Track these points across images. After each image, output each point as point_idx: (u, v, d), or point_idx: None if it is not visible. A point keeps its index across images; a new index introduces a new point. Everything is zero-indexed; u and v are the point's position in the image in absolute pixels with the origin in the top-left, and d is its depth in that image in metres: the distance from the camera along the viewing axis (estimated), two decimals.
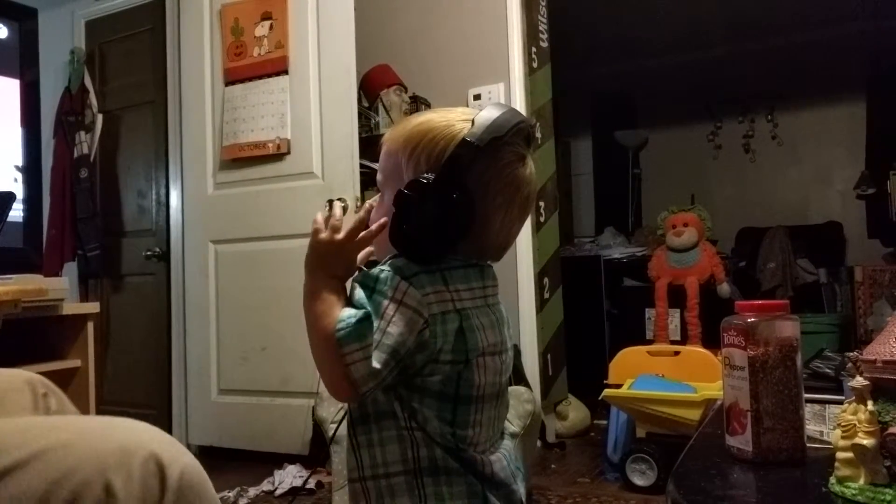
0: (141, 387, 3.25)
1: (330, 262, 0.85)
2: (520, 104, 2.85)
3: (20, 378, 0.99)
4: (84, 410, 2.20)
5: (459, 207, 0.81)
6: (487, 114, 0.84)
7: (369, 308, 0.78)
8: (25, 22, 3.37)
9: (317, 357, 0.81)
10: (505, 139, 0.84)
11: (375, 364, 0.76)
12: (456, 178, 0.82)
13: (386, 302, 0.78)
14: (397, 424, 0.81)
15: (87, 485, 0.64)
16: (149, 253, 3.23)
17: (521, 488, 0.87)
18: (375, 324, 0.77)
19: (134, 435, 0.70)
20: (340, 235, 0.85)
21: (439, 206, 0.81)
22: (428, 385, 0.80)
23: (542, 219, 2.97)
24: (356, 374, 0.77)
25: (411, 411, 0.81)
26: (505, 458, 0.86)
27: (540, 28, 3.11)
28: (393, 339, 0.76)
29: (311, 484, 2.42)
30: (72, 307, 2.27)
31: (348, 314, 0.79)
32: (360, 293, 0.81)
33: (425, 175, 0.82)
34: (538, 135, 3.01)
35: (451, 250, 0.83)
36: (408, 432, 0.81)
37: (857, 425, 0.67)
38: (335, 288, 0.84)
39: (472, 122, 0.84)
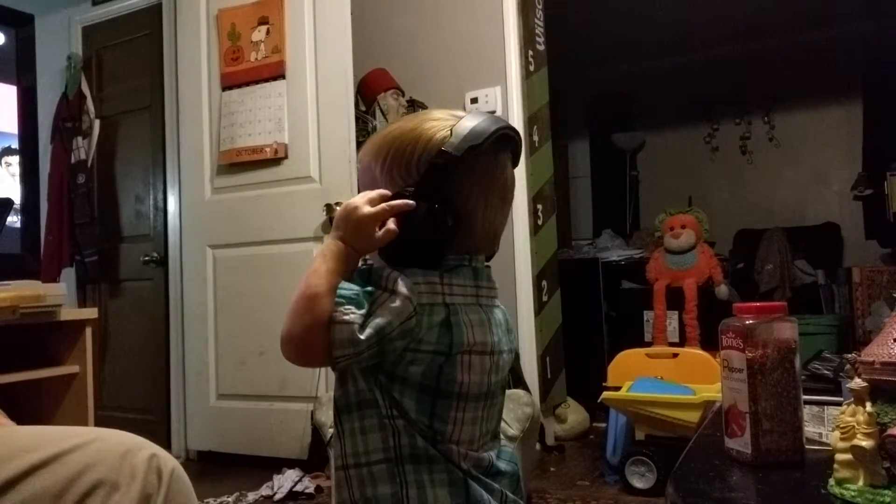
0: (139, 392, 3.25)
1: (349, 229, 0.84)
2: (516, 107, 2.86)
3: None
4: (83, 417, 2.20)
5: (441, 215, 0.82)
6: (465, 123, 0.85)
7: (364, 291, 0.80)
8: (22, 28, 3.37)
9: (299, 311, 0.80)
10: (483, 147, 0.84)
11: (360, 335, 0.76)
12: (436, 188, 0.83)
13: (378, 290, 0.79)
14: (379, 413, 0.82)
15: (101, 478, 0.78)
16: (147, 258, 3.23)
17: (504, 486, 0.86)
18: (368, 304, 0.79)
19: (134, 441, 0.85)
20: (368, 210, 0.83)
21: (422, 217, 0.82)
22: (409, 376, 0.81)
23: (539, 221, 2.98)
24: (338, 335, 0.77)
25: (392, 400, 0.81)
26: (489, 458, 0.86)
27: (536, 31, 3.11)
28: (382, 319, 0.77)
29: (311, 488, 2.41)
30: (70, 313, 2.26)
31: (349, 285, 0.81)
32: (353, 283, 0.82)
33: (407, 189, 0.84)
34: (535, 138, 3.01)
35: (443, 253, 0.84)
36: (389, 421, 0.81)
37: (856, 427, 0.67)
38: (344, 254, 0.84)
39: (451, 132, 0.84)
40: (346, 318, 0.77)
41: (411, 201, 0.82)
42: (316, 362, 0.82)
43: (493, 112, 2.85)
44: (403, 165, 0.85)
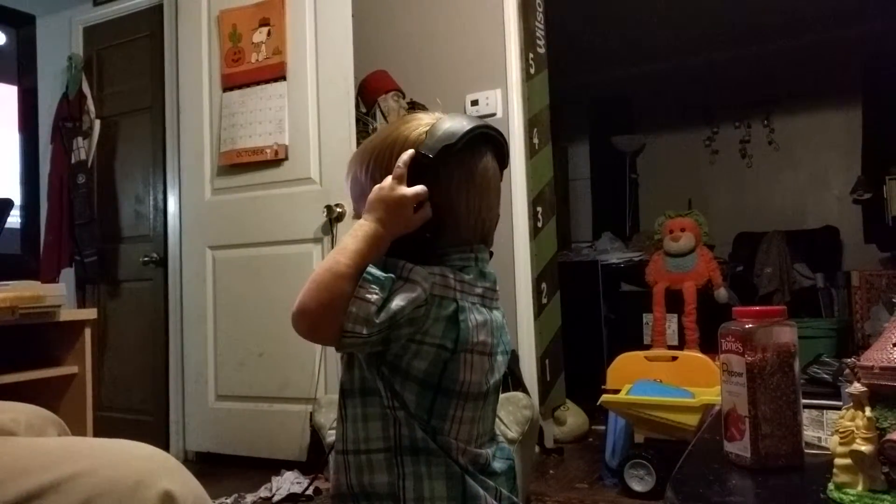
0: (138, 393, 3.25)
1: (388, 211, 0.84)
2: (517, 110, 2.86)
3: (47, 414, 1.01)
4: (81, 417, 2.20)
5: (424, 211, 0.84)
6: (441, 123, 0.87)
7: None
8: (23, 28, 3.36)
9: (320, 286, 0.79)
10: (457, 146, 0.85)
11: (375, 317, 0.77)
12: (414, 185, 0.84)
13: (394, 278, 0.80)
14: (381, 402, 0.82)
15: None
16: (146, 259, 3.23)
17: (500, 484, 0.87)
18: (388, 291, 0.79)
19: (149, 467, 0.75)
20: (405, 190, 0.84)
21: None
22: (412, 370, 0.81)
23: (539, 224, 2.98)
24: (355, 311, 0.77)
25: (393, 392, 0.82)
26: (486, 456, 0.87)
27: (537, 34, 3.12)
28: (396, 305, 0.78)
29: (310, 490, 2.41)
30: (69, 313, 2.26)
31: (376, 269, 0.81)
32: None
33: None
34: (535, 141, 3.01)
35: (435, 248, 0.85)
36: (390, 411, 0.82)
37: (855, 431, 0.67)
38: (379, 238, 0.83)
39: (427, 133, 0.86)
40: (369, 297, 0.77)
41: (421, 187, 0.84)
42: (325, 339, 0.81)
43: (493, 115, 2.86)
44: (384, 167, 0.87)
